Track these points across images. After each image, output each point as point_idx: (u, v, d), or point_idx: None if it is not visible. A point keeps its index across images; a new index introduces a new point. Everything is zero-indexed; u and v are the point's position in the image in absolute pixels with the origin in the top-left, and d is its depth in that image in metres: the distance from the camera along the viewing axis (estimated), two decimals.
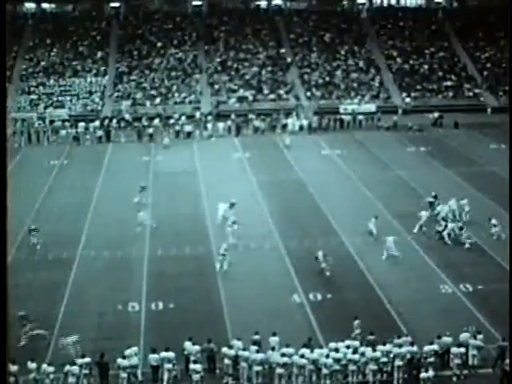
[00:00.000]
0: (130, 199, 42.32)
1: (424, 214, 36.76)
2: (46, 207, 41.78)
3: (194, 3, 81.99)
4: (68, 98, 67.03)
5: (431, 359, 23.67)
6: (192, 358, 23.90)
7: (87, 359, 23.84)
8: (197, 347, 24.33)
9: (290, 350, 24.03)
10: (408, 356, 23.73)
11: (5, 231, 15.48)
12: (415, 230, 36.21)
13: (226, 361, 24.21)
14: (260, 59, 73.67)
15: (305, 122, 61.68)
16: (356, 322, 26.03)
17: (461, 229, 35.07)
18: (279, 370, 23.52)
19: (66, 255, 34.67)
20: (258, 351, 24.05)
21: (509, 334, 24.28)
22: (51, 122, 62.23)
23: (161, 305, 29.41)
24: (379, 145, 55.92)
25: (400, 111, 65.06)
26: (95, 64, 72.61)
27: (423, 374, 23.15)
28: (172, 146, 55.52)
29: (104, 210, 41.42)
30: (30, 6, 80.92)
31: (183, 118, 62.03)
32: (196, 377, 23.36)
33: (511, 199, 37.87)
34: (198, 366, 23.49)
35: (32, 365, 23.56)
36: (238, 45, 75.64)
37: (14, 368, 23.43)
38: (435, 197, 39.02)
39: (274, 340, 24.86)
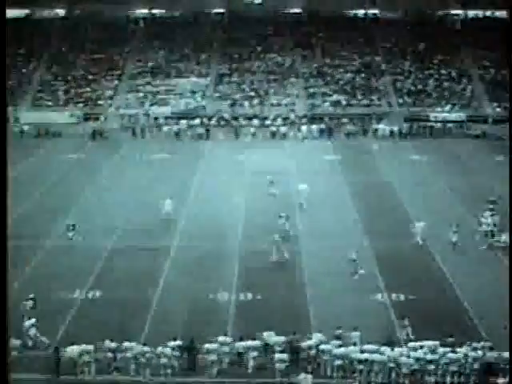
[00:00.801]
0: (225, 194, 42.80)
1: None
2: (146, 198, 42.67)
3: (294, 11, 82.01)
4: (172, 97, 68.17)
5: (508, 366, 22.91)
6: (278, 349, 23.93)
7: (178, 342, 24.23)
8: (282, 338, 24.35)
9: (371, 347, 23.75)
10: (486, 360, 23.07)
11: (5, 231, 15.26)
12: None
13: (308, 353, 24.18)
14: (355, 66, 73.05)
15: (395, 128, 60.87)
16: (405, 321, 25.72)
17: None
18: (359, 366, 23.27)
19: (164, 244, 35.28)
20: (340, 346, 23.88)
21: (509, 337, 23.41)
22: (155, 118, 63.46)
23: (250, 296, 29.58)
24: (467, 152, 54.61)
25: (490, 120, 63.28)
26: (198, 65, 73.61)
27: (500, 380, 22.42)
28: (265, 146, 55.84)
29: (199, 203, 41.99)
30: (142, 11, 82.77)
31: (279, 119, 62.29)
32: (281, 366, 23.38)
33: (511, 199, 37.22)
34: (284, 356, 23.51)
35: (129, 344, 24.17)
36: (334, 51, 75.20)
37: (112, 345, 24.10)
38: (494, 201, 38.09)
39: (355, 335, 24.65)
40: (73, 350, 24.11)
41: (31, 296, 28.21)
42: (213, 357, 23.78)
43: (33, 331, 25.75)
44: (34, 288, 30.53)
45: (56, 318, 27.72)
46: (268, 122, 61.80)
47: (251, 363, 23.96)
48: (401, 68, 72.55)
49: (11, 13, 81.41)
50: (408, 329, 25.67)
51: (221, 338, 24.52)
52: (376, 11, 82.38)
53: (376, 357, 23.31)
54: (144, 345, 24.22)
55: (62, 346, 24.51)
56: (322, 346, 23.92)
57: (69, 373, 24.00)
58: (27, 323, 25.81)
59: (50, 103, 68.34)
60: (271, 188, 43.15)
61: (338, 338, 24.62)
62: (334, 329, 24.98)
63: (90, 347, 24.12)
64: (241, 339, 24.53)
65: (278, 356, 23.57)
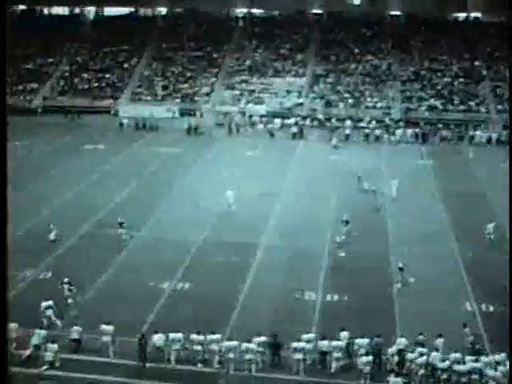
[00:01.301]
0: (316, 193, 42.73)
1: None
2: (238, 193, 43.04)
3: (393, 13, 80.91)
4: (267, 96, 68.51)
5: None
6: (363, 351, 23.71)
7: (263, 338, 24.33)
8: (366, 340, 24.10)
9: (453, 356, 23.20)
10: None
11: (5, 230, 15.23)
12: None
13: (392, 357, 23.87)
14: (453, 70, 71.40)
15: (493, 135, 59.13)
16: (466, 330, 25.05)
17: None
18: (442, 376, 22.77)
19: (254, 240, 35.47)
20: (421, 354, 23.41)
21: (509, 337, 22.90)
22: (250, 116, 63.93)
23: (336, 297, 29.41)
24: None
25: None
26: (295, 66, 73.68)
27: None
28: (358, 148, 55.36)
29: (290, 201, 42.03)
30: (242, 10, 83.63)
31: (373, 122, 61.65)
32: (366, 369, 23.16)
33: (511, 199, 36.63)
34: (369, 358, 23.28)
35: (214, 336, 24.47)
36: (433, 55, 73.74)
37: (199, 338, 24.43)
38: None
39: (439, 341, 24.18)
40: (159, 339, 24.63)
41: (66, 280, 28.85)
42: (298, 355, 23.76)
43: (49, 312, 26.52)
44: (126, 276, 31.40)
45: (145, 307, 28.35)
46: (362, 125, 61.28)
47: (334, 364, 23.85)
48: (501, 74, 70.37)
49: (117, 10, 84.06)
50: (470, 338, 24.94)
51: (305, 336, 24.51)
52: (478, 14, 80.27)
53: (457, 366, 22.80)
54: (229, 339, 24.46)
55: (149, 334, 25.09)
56: (408, 355, 23.57)
57: (154, 360, 24.57)
58: (44, 304, 26.60)
59: (148, 98, 69.92)
60: (363, 184, 43.30)
61: (420, 344, 24.21)
62: (417, 334, 24.59)
63: (179, 335, 24.59)
64: (323, 338, 24.45)
65: (364, 359, 23.34)
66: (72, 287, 28.75)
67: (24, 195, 43.31)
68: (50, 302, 26.72)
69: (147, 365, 24.35)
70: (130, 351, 24.87)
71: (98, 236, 36.71)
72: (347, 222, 35.59)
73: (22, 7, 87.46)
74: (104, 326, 25.07)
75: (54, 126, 63.79)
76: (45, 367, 24.22)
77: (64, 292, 28.62)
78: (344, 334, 24.60)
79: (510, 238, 34.23)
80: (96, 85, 72.75)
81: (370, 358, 23.31)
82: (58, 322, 26.53)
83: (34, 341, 24.73)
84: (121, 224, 35.93)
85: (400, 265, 30.84)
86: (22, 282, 31.21)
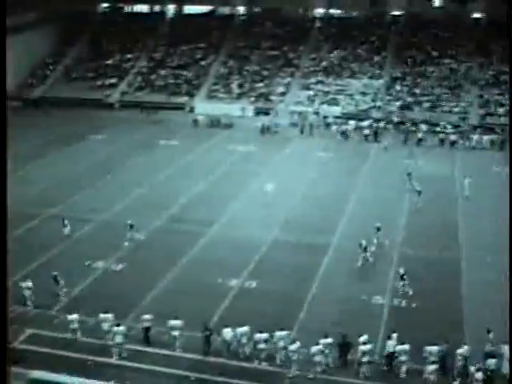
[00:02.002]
0: (386, 197, 42.40)
1: None
2: (309, 193, 43.10)
3: (475, 16, 79.32)
4: (342, 97, 68.25)
5: None
6: (431, 359, 23.53)
7: (329, 340, 24.37)
8: (435, 348, 23.88)
9: None
10: None
11: (5, 230, 15.16)
12: None
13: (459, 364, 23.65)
14: None
15: None
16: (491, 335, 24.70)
17: None
18: None
19: (324, 240, 35.45)
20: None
21: (509, 337, 22.82)
22: (324, 117, 63.80)
23: (404, 302, 29.18)
24: None
25: None
26: (371, 67, 73.14)
27: None
28: (433, 152, 54.56)
29: (362, 204, 41.79)
30: (320, 10, 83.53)
31: (449, 126, 60.60)
32: (432, 377, 23.02)
33: (511, 199, 36.45)
34: (436, 367, 23.19)
35: (280, 334, 24.66)
36: None
37: (263, 336, 24.66)
38: None
39: (505, 348, 23.84)
40: (227, 333, 25.02)
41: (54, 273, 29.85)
42: (365, 358, 23.76)
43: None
44: (195, 272, 31.89)
45: (212, 303, 28.77)
46: (438, 129, 60.29)
47: (404, 368, 23.80)
48: None
49: (196, 8, 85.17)
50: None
51: (368, 339, 24.51)
52: None
53: None
54: (293, 342, 24.60)
55: (216, 329, 25.52)
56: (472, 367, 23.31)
57: (219, 355, 24.97)
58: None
59: (223, 96, 70.63)
60: (411, 182, 43.12)
61: (490, 355, 23.85)
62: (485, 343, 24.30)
63: (246, 329, 24.95)
64: (388, 338, 24.42)
65: (431, 367, 23.19)
66: (60, 281, 29.58)
67: (100, 187, 44.62)
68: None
69: (212, 360, 24.74)
70: (196, 346, 25.37)
71: (170, 231, 37.42)
72: (378, 229, 35.23)
73: (105, 5, 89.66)
74: (173, 321, 25.60)
75: (130, 120, 65.17)
76: (115, 357, 24.95)
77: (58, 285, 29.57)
78: (393, 337, 24.51)
79: (511, 237, 33.49)
80: (172, 81, 73.95)
81: (437, 366, 23.12)
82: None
83: (113, 330, 25.48)
84: (131, 226, 36.05)
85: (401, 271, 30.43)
86: (95, 273, 32.16)
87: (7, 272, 16.56)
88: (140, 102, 70.14)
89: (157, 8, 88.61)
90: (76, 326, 26.26)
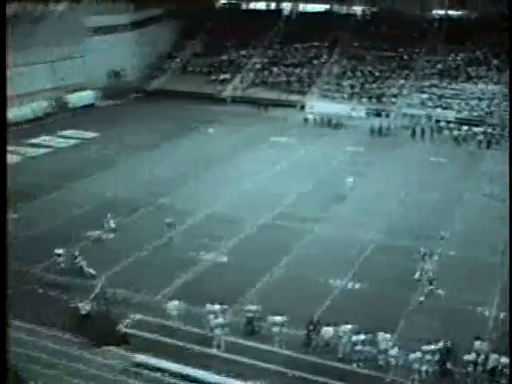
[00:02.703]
0: (495, 207, 41.04)
1: None
2: (418, 198, 42.39)
3: None
4: (456, 101, 66.56)
5: None
6: None
7: (431, 347, 24.01)
8: None
9: None
10: None
11: (5, 231, 15.11)
12: None
13: None
14: None
15: None
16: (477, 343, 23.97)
17: None
18: None
19: (428, 248, 34.75)
20: None
21: (509, 338, 22.56)
22: (437, 121, 62.47)
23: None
24: None
25: None
26: (489, 71, 70.94)
27: None
28: None
29: (469, 212, 40.56)
30: (439, 12, 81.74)
31: None
32: None
33: (511, 199, 32.91)
34: None
35: (383, 337, 24.59)
36: None
37: (362, 337, 24.57)
38: None
39: None
40: (327, 332, 25.10)
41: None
42: (468, 369, 23.31)
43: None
44: (298, 269, 32.07)
45: (313, 302, 28.86)
46: None
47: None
48: None
49: (312, 7, 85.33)
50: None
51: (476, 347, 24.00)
52: None
53: None
54: (394, 347, 24.36)
55: (317, 328, 25.64)
56: None
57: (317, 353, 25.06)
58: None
59: (335, 95, 70.38)
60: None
61: None
62: None
63: (348, 327, 25.02)
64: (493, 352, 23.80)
65: None
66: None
67: (208, 180, 45.56)
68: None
69: (310, 358, 24.85)
70: (295, 342, 25.55)
71: (275, 227, 37.77)
72: (442, 238, 33.92)
73: (223, 1, 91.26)
74: (274, 317, 25.87)
75: (241, 116, 66.13)
76: (215, 348, 25.49)
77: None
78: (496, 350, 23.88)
79: (511, 237, 32.92)
80: (285, 79, 74.34)
81: None
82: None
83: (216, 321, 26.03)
84: (169, 225, 36.57)
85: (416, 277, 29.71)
86: (201, 264, 32.92)
87: (7, 271, 16.76)
88: (252, 97, 71.03)
89: (273, 5, 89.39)
90: (176, 312, 27.03)
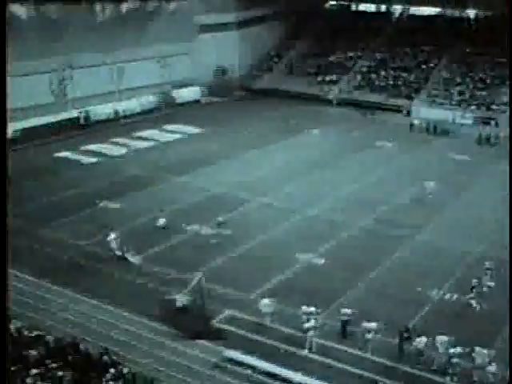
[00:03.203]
0: None
1: None
2: None
3: None
4: None
5: None
6: None
7: None
8: None
9: None
10: None
11: (5, 230, 14.88)
12: None
13: None
14: None
15: None
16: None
17: None
18: None
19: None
20: None
21: (509, 338, 22.60)
22: None
23: None
24: None
25: None
26: None
27: None
28: None
29: None
30: None
31: None
32: None
33: (511, 199, 31.21)
34: None
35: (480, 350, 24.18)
36: None
37: (459, 350, 24.11)
38: None
39: None
40: (421, 342, 24.72)
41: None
42: None
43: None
44: (396, 276, 31.64)
45: (408, 310, 28.40)
46: None
47: None
48: None
49: (423, 10, 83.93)
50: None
51: None
52: None
53: None
54: (492, 363, 23.67)
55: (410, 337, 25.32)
56: None
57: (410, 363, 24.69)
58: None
59: (443, 101, 68.87)
60: None
61: None
62: None
63: (444, 338, 24.52)
64: None
65: None
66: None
67: (311, 182, 45.66)
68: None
69: (402, 367, 24.48)
70: (388, 351, 25.23)
71: (376, 231, 37.48)
72: (488, 269, 32.15)
73: (332, 2, 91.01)
74: (368, 323, 25.65)
75: (347, 118, 65.83)
76: (307, 349, 25.48)
77: None
78: None
79: (510, 236, 30.21)
80: (392, 83, 73.38)
81: None
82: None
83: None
84: (219, 224, 36.74)
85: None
86: (298, 265, 33.02)
87: (7, 271, 17.04)
88: (357, 100, 70.54)
89: (383, 7, 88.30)
90: (268, 310, 27.21)
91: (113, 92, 63.74)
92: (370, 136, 58.92)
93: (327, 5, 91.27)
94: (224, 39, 76.00)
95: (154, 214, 38.22)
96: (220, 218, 37.89)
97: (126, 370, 21.36)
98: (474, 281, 30.05)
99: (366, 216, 39.46)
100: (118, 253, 33.02)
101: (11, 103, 54.38)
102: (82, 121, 60.17)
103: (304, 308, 26.80)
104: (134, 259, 32.79)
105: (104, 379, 18.69)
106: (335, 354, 25.36)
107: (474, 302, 29.24)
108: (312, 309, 26.61)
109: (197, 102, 72.22)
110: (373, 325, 25.52)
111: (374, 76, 75.45)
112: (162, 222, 37.07)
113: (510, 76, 65.14)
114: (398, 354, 25.11)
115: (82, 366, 19.80)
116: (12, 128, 51.22)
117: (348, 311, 26.77)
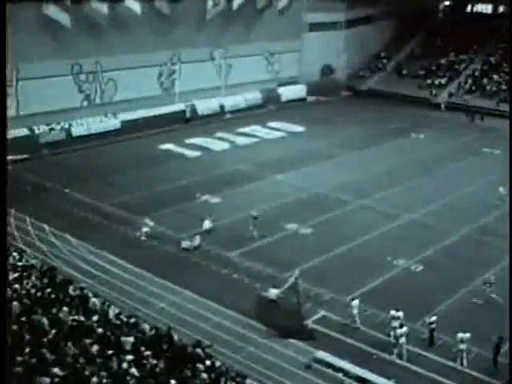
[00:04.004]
0: None
1: None
2: None
3: None
4: None
5: None
6: None
7: None
8: None
9: None
10: None
11: (5, 230, 14.59)
12: None
13: None
14: None
15: None
16: None
17: None
18: None
19: None
20: None
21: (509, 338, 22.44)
22: None
23: None
24: None
25: None
26: None
27: None
28: None
29: None
30: None
31: None
32: None
33: (511, 198, 32.34)
34: None
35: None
36: None
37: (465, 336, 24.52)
38: None
39: None
40: None
41: None
42: None
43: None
44: (494, 288, 30.70)
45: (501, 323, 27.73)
46: None
47: None
48: None
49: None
50: None
51: None
52: None
53: None
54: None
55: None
56: None
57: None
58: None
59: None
60: None
61: None
62: None
63: None
64: None
65: None
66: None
67: (414, 186, 45.10)
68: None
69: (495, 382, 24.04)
70: (482, 364, 24.78)
71: (477, 241, 36.85)
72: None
73: (446, 3, 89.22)
74: (461, 334, 25.27)
75: (455, 123, 64.60)
76: (395, 356, 25.40)
77: None
78: None
79: (510, 235, 28.84)
80: (504, 88, 71.21)
81: None
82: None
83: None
84: (255, 218, 36.29)
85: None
86: (393, 270, 32.80)
87: (7, 271, 17.05)
88: (467, 105, 68.96)
89: (501, 9, 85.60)
90: (355, 312, 27.22)
91: (219, 87, 64.89)
92: (478, 142, 57.64)
93: (441, 6, 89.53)
94: (332, 38, 75.98)
95: (253, 210, 38.64)
96: (312, 219, 38.16)
97: (218, 364, 21.78)
98: None
99: (466, 224, 38.75)
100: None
101: (120, 95, 57.24)
102: (188, 114, 61.66)
103: (392, 312, 26.65)
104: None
105: (196, 371, 19.17)
106: (427, 363, 25.10)
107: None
108: (400, 313, 26.46)
109: (302, 100, 72.52)
110: (466, 336, 25.11)
111: (486, 80, 73.49)
112: (207, 225, 36.75)
113: (510, 76, 64.03)
114: (493, 366, 24.60)
115: (176, 356, 20.34)
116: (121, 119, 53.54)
117: (433, 319, 26.47)
